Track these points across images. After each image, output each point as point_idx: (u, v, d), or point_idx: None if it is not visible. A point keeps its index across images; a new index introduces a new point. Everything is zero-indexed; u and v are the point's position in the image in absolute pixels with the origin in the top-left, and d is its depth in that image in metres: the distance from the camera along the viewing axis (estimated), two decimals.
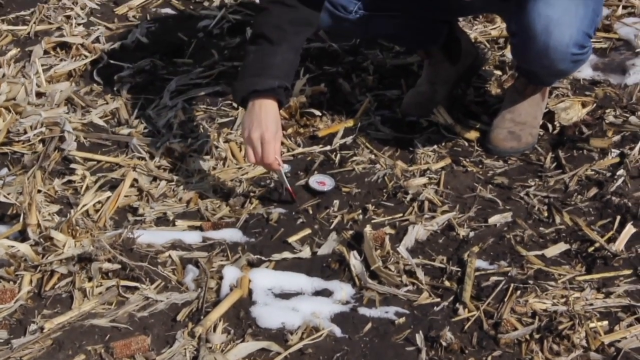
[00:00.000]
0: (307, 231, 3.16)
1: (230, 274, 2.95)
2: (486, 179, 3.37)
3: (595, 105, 3.70)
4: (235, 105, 3.81)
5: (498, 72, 3.96)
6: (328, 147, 3.58)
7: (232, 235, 3.16)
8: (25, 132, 3.66)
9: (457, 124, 3.61)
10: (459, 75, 3.76)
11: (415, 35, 3.63)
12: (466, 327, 2.74)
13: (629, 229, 3.03)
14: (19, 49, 4.25)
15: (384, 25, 3.49)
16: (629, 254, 2.96)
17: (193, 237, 3.15)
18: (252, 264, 3.02)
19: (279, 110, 3.13)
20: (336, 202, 3.28)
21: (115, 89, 3.97)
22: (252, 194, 3.34)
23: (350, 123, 3.69)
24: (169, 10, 4.64)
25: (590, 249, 2.99)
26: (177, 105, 3.83)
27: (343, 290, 2.90)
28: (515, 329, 2.71)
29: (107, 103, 3.87)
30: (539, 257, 2.99)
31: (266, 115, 3.09)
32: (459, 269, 2.95)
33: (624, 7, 4.39)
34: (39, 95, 3.91)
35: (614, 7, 4.39)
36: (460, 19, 4.08)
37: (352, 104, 3.83)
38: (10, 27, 4.44)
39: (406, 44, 3.93)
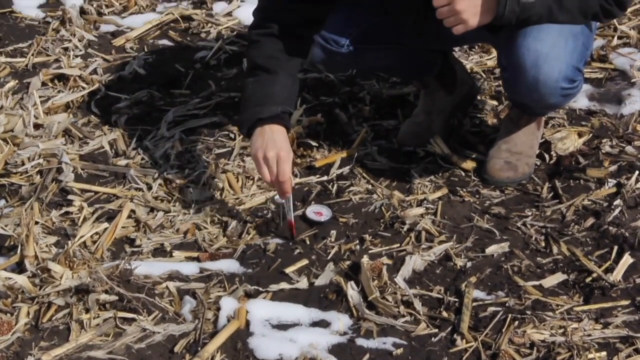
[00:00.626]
0: (305, 262, 3.16)
1: (228, 305, 2.94)
2: (483, 209, 3.37)
3: (591, 135, 3.72)
4: (232, 136, 3.82)
5: (494, 102, 3.97)
6: (325, 178, 3.58)
7: (230, 266, 3.15)
8: (23, 164, 3.65)
9: (453, 154, 3.62)
10: (455, 104, 3.78)
11: (410, 66, 3.65)
12: (464, 358, 2.74)
13: (627, 259, 3.03)
14: (16, 81, 4.26)
15: (378, 57, 3.52)
16: (626, 284, 2.96)
17: (190, 268, 3.14)
18: (249, 295, 3.01)
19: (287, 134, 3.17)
20: (333, 232, 3.28)
21: (112, 120, 3.97)
22: (249, 225, 3.34)
23: (347, 153, 3.70)
24: (166, 42, 4.66)
25: (588, 279, 3.00)
26: (174, 136, 3.83)
27: (340, 321, 2.89)
28: (514, 359, 2.70)
29: (104, 134, 3.88)
30: (536, 287, 2.99)
31: (279, 136, 3.14)
32: (456, 300, 2.95)
33: (619, 38, 4.41)
34: (37, 126, 3.91)
35: (609, 37, 4.42)
36: (456, 48, 4.11)
37: (349, 134, 3.84)
38: (8, 60, 4.45)
39: (401, 74, 3.95)
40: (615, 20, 4.46)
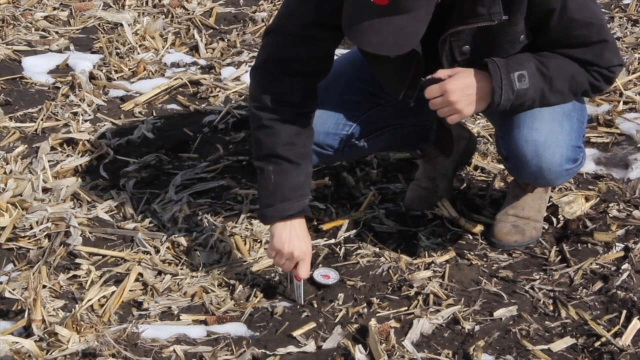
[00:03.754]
0: (312, 325, 3.15)
1: None
2: (491, 272, 3.37)
3: (598, 199, 3.73)
4: (239, 199, 3.83)
5: (501, 166, 3.99)
6: (332, 240, 3.59)
7: (237, 329, 3.15)
8: (31, 228, 3.66)
9: (461, 217, 3.62)
10: (456, 164, 3.78)
11: (406, 141, 3.63)
12: None
13: (635, 324, 3.02)
14: (26, 146, 4.28)
15: (374, 144, 3.50)
16: (635, 349, 2.94)
17: (197, 332, 3.13)
18: (256, 359, 3.00)
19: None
20: (341, 295, 3.28)
21: (121, 183, 3.99)
22: (256, 288, 3.33)
23: (354, 216, 3.71)
24: (174, 106, 4.70)
25: (597, 344, 2.98)
26: (182, 199, 3.85)
27: None
28: None
29: (112, 198, 3.89)
30: (545, 351, 2.97)
31: (302, 231, 3.20)
32: None
33: (625, 103, 4.45)
34: (45, 190, 3.92)
35: (615, 102, 4.45)
36: None
37: (356, 197, 3.85)
38: (18, 125, 4.48)
39: (398, 150, 3.97)
40: (621, 86, 4.51)
